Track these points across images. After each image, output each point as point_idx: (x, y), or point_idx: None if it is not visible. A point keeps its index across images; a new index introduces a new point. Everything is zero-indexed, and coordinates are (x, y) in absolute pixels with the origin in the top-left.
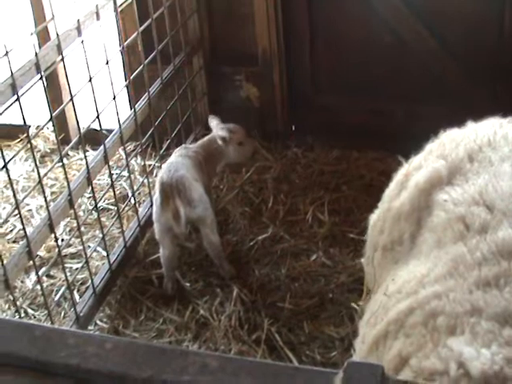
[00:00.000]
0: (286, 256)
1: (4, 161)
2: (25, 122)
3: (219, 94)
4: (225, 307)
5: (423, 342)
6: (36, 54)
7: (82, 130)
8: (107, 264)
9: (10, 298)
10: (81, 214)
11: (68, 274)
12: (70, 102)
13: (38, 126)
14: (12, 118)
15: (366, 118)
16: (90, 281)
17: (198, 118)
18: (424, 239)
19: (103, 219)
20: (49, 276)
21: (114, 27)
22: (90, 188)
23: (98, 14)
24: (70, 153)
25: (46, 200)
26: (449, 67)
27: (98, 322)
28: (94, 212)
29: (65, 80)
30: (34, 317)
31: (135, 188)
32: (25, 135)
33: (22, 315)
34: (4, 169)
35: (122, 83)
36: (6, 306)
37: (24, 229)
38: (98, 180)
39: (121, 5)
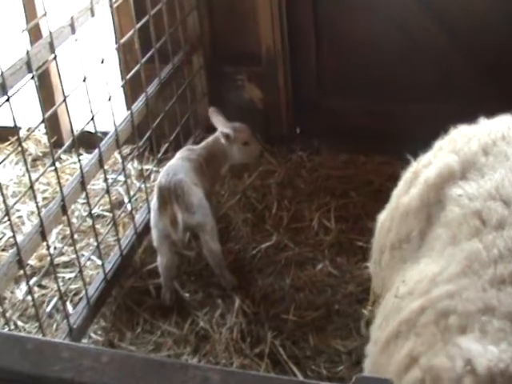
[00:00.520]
0: (290, 265)
1: None
2: (15, 124)
3: (220, 94)
4: (226, 319)
5: (434, 342)
6: (27, 52)
7: (75, 133)
8: (102, 274)
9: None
10: (74, 220)
11: (60, 284)
12: (63, 103)
13: (30, 128)
14: (2, 119)
15: (374, 120)
16: (83, 291)
17: (198, 120)
18: (436, 235)
19: (98, 226)
20: (40, 286)
21: (110, 24)
22: (84, 193)
23: (92, 10)
24: (63, 156)
25: (37, 206)
26: (458, 65)
27: (92, 334)
28: (88, 219)
29: (57, 80)
30: (25, 329)
31: (132, 193)
32: (15, 138)
33: (12, 327)
34: None
35: (117, 83)
36: None
37: (14, 236)
38: (93, 185)
39: (117, 0)
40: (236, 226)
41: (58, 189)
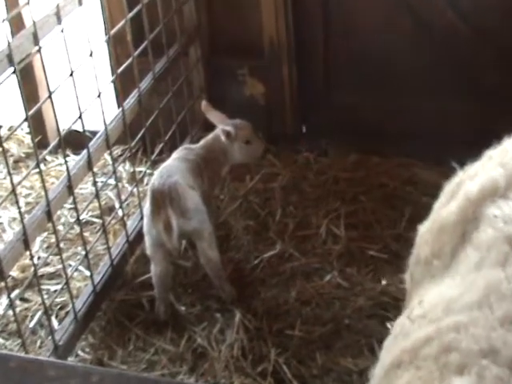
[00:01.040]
0: (295, 276)
1: None
2: None
3: (219, 90)
4: (225, 335)
5: (430, 379)
6: (8, 43)
7: (61, 132)
8: (90, 285)
9: None
10: (60, 228)
11: (45, 297)
12: (48, 100)
13: (11, 127)
14: None
15: (388, 118)
16: (70, 305)
17: (195, 118)
18: (465, 256)
19: (86, 234)
20: (23, 299)
21: (99, 13)
22: (72, 198)
23: None
24: (48, 158)
25: (20, 212)
26: (481, 60)
27: (80, 352)
28: (75, 226)
29: (42, 74)
30: (5, 347)
31: (123, 198)
32: None
33: None
34: None
35: (108, 78)
36: None
37: None
38: (81, 189)
39: None
40: (236, 234)
41: (42, 193)
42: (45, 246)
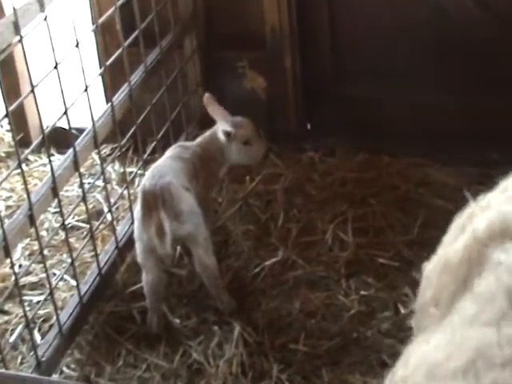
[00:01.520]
0: (299, 286)
1: None
2: None
3: (217, 84)
4: (224, 350)
5: None
6: None
7: (45, 129)
8: (77, 296)
9: None
10: (44, 233)
11: (27, 308)
12: (31, 94)
13: None
14: None
15: (401, 114)
16: (54, 317)
17: (191, 115)
18: (463, 307)
19: (72, 240)
20: (3, 312)
21: (86, 0)
22: (56, 201)
23: None
24: (31, 157)
25: (0, 216)
26: (504, 54)
27: (65, 369)
28: (60, 231)
29: (24, 66)
30: None
31: (112, 201)
32: None
33: None
34: None
35: (95, 71)
36: None
37: None
38: (66, 191)
39: None
40: (236, 240)
41: (24, 196)
42: (27, 253)
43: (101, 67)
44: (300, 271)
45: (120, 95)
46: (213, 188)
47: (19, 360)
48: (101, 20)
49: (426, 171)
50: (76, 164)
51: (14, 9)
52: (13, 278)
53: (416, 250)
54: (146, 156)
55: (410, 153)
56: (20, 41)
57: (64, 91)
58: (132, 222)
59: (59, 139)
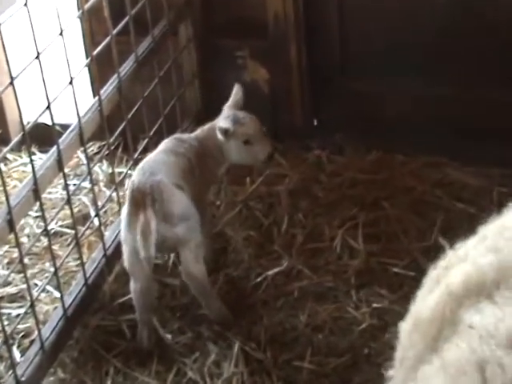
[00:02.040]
0: (305, 298)
1: None
2: None
3: (214, 76)
4: (222, 368)
5: None
6: None
7: (26, 126)
8: (60, 309)
9: None
10: (24, 240)
11: (5, 322)
12: (10, 87)
13: None
14: None
15: (417, 109)
16: (36, 332)
17: (187, 109)
18: (427, 375)
19: (55, 247)
20: None
21: None
22: (38, 204)
23: None
24: (10, 156)
25: None
26: None
27: None
28: (42, 237)
29: (2, 56)
30: None
31: (100, 204)
32: None
33: None
34: None
35: (81, 61)
36: None
37: None
38: (49, 194)
39: None
40: (235, 247)
41: (2, 198)
42: (5, 261)
43: (87, 57)
44: (306, 281)
45: (108, 88)
46: (210, 188)
47: None
48: (87, 5)
49: (445, 171)
50: (60, 163)
51: None
52: None
53: (433, 258)
54: (136, 155)
55: (426, 151)
56: None
57: (47, 84)
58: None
59: (41, 136)
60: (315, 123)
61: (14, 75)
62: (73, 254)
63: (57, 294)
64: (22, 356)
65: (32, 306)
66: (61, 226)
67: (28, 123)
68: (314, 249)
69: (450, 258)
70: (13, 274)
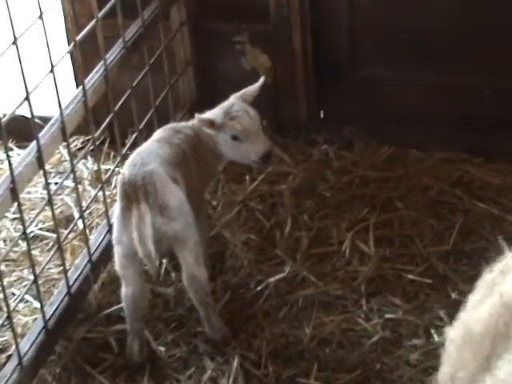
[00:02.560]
0: (311, 307)
1: None
2: None
3: (210, 63)
4: None
5: None
6: None
7: (2, 118)
8: (41, 320)
9: None
10: (1, 244)
11: None
12: None
13: None
14: None
15: (432, 100)
16: (13, 346)
17: (179, 100)
18: None
19: (35, 252)
20: None
21: None
22: (16, 205)
23: None
24: None
25: None
26: None
27: None
28: (21, 241)
29: None
30: None
31: (84, 205)
32: None
33: None
34: None
35: (63, 47)
36: None
37: None
38: (29, 193)
39: None
40: (234, 251)
41: None
42: None
43: (70, 43)
44: (311, 290)
45: (93, 77)
46: (207, 184)
47: None
48: None
49: (464, 168)
50: (40, 160)
51: None
52: None
53: (452, 264)
54: (124, 150)
55: (443, 146)
56: None
57: (25, 72)
58: (109, 230)
59: (19, 130)
60: (321, 115)
61: None
62: (54, 259)
63: (37, 304)
64: None
65: (9, 317)
66: (41, 229)
67: (4, 115)
68: (321, 253)
69: (508, 261)
70: None
